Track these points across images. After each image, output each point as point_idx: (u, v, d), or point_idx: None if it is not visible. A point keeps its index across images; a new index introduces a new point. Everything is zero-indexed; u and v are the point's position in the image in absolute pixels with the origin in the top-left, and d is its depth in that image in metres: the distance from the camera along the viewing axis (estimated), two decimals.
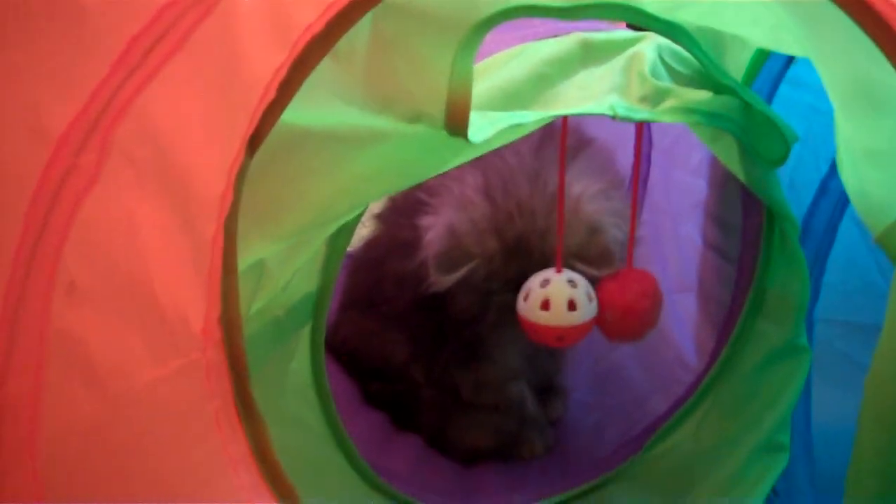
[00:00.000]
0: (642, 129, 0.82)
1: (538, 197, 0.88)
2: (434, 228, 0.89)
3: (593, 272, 0.84)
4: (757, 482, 0.88)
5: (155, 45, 0.51)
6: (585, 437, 1.10)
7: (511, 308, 0.85)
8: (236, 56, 0.51)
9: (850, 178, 0.64)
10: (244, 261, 0.56)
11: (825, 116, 0.70)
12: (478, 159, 0.74)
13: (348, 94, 0.60)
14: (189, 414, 0.53)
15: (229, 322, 0.52)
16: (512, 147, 0.84)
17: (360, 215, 0.76)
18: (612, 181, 0.95)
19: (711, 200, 1.06)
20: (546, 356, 1.08)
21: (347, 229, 0.76)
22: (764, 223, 0.91)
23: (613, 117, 0.70)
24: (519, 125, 0.67)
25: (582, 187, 0.87)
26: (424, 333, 1.02)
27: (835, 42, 0.57)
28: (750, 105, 0.78)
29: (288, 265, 0.69)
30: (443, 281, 0.87)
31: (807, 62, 0.84)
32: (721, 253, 1.05)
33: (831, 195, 0.91)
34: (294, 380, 0.77)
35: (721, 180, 1.01)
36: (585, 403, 1.16)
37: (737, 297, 0.96)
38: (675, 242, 1.14)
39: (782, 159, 0.80)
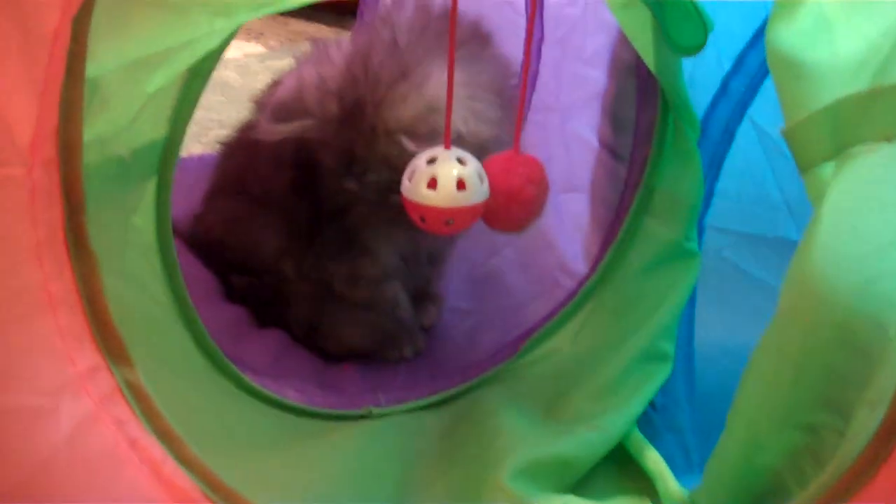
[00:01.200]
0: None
1: (388, 66, 0.83)
2: (286, 80, 0.86)
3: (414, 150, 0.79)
4: (636, 390, 0.84)
5: None
6: (459, 343, 1.05)
7: (387, 201, 0.80)
8: None
9: (790, 37, 0.58)
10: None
11: (731, 7, 0.66)
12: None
13: None
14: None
15: (69, 140, 0.46)
16: (394, 23, 0.83)
17: (219, 52, 0.66)
18: (492, 88, 0.88)
19: (608, 93, 1.01)
20: (424, 260, 1.03)
21: (202, 72, 0.66)
22: (658, 118, 0.87)
23: None
24: None
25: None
26: (299, 218, 0.96)
27: None
28: None
29: (132, 95, 0.60)
30: (271, 130, 0.84)
31: None
32: (613, 152, 1.01)
33: (731, 96, 0.87)
34: (137, 238, 0.68)
35: (620, 69, 0.96)
36: (460, 309, 1.10)
37: (625, 197, 0.93)
38: (562, 140, 1.09)
39: (696, 48, 0.75)
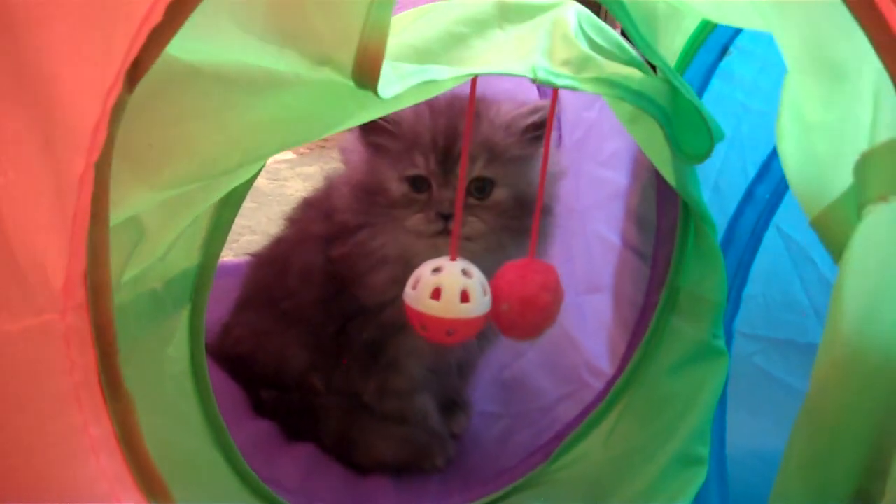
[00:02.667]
0: (557, 96, 0.76)
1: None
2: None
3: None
4: (673, 497, 0.83)
5: None
6: (490, 448, 1.04)
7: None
8: None
9: (792, 151, 0.60)
10: (116, 212, 0.48)
11: (756, 116, 0.67)
12: None
13: (247, 24, 0.52)
14: (42, 384, 0.46)
15: (96, 283, 0.45)
16: None
17: (251, 181, 0.68)
18: None
19: (631, 194, 1.02)
20: (453, 371, 1.02)
21: (234, 201, 0.68)
22: (679, 217, 0.87)
23: (534, 80, 0.64)
24: (433, 82, 0.61)
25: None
26: (326, 333, 0.96)
27: (796, 4, 0.53)
28: (678, 91, 0.73)
29: (168, 228, 0.61)
30: None
31: (742, 55, 0.84)
32: (636, 251, 1.00)
33: (757, 202, 0.88)
34: (171, 367, 0.68)
35: (641, 171, 0.96)
36: (490, 413, 1.10)
37: (650, 296, 0.92)
38: (583, 240, 1.09)
39: (704, 156, 0.76)
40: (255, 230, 1.61)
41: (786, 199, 0.86)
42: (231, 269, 1.15)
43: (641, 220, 0.99)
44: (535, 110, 0.86)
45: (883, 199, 0.49)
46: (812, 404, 0.55)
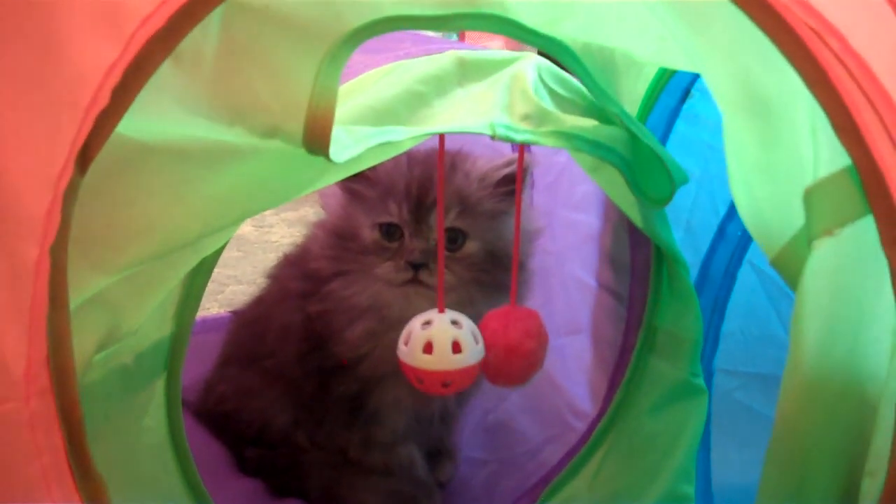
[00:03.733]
0: (523, 151, 0.77)
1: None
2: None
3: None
4: None
5: None
6: (477, 494, 1.04)
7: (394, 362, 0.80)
8: (55, 39, 0.44)
9: (742, 195, 0.61)
10: (77, 295, 0.49)
11: (722, 155, 0.67)
12: None
13: (193, 104, 0.53)
14: (10, 471, 0.46)
15: (59, 366, 0.46)
16: None
17: (220, 250, 0.68)
18: None
19: (603, 236, 1.03)
20: (437, 419, 1.02)
21: (205, 267, 0.69)
22: (653, 258, 0.88)
23: (493, 137, 0.65)
24: (390, 143, 0.62)
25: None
26: (307, 389, 0.97)
27: (723, 45, 0.54)
28: (637, 138, 0.74)
29: (138, 305, 0.61)
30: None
31: (705, 97, 0.85)
32: (612, 292, 1.01)
33: (729, 240, 0.89)
34: (148, 439, 0.68)
35: (612, 213, 0.97)
36: (476, 460, 1.09)
37: (628, 336, 0.93)
38: (560, 283, 1.10)
39: (666, 200, 0.76)
40: (240, 280, 1.61)
41: None
42: (213, 324, 1.16)
43: (615, 262, 1.00)
44: (508, 163, 0.87)
45: (828, 233, 0.51)
46: (780, 433, 0.56)
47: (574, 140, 0.70)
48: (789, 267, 0.57)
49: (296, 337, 0.94)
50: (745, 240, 0.88)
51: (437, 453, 1.06)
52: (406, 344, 0.75)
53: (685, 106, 0.87)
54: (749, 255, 0.89)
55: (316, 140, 0.55)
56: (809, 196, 0.52)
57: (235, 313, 1.09)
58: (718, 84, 0.59)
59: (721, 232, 0.89)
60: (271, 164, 0.58)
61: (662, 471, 0.86)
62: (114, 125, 0.46)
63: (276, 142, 0.55)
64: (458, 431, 1.10)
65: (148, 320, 0.64)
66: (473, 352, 0.74)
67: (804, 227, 0.53)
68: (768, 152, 0.58)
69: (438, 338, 0.73)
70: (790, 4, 0.45)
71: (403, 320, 0.77)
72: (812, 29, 0.45)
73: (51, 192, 0.44)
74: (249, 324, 1.04)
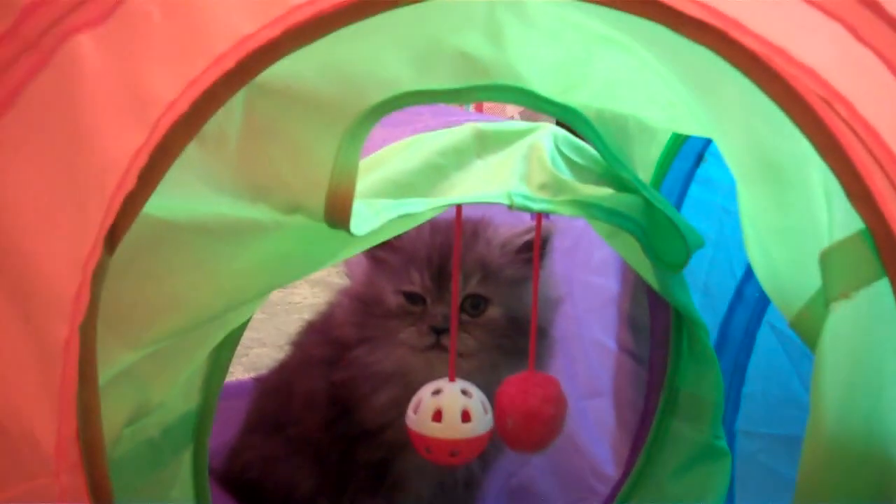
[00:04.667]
0: (541, 219, 0.78)
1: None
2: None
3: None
4: None
5: None
6: None
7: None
8: (82, 126, 0.45)
9: (758, 257, 0.61)
10: (105, 371, 0.50)
11: (737, 218, 0.68)
12: None
13: (217, 183, 0.55)
14: None
15: (89, 441, 0.46)
16: None
17: (245, 325, 0.69)
18: None
19: (623, 299, 1.03)
20: (461, 486, 1.01)
21: (231, 341, 0.70)
22: (672, 320, 0.88)
23: (510, 206, 0.66)
24: (409, 215, 0.63)
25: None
26: (332, 457, 0.96)
27: (733, 112, 0.55)
28: (651, 204, 0.75)
29: (167, 379, 0.62)
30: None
31: (718, 161, 0.84)
32: (633, 355, 1.01)
33: (747, 302, 0.90)
34: None
35: (630, 277, 0.98)
36: None
37: (650, 399, 0.93)
38: (580, 346, 1.10)
39: (681, 264, 0.78)
40: (264, 342, 1.60)
41: None
42: (235, 390, 1.15)
43: (635, 325, 1.00)
44: (529, 230, 0.87)
45: (845, 296, 0.51)
46: (802, 495, 0.56)
47: (590, 208, 0.71)
48: (808, 328, 0.57)
49: (320, 404, 0.94)
50: (764, 301, 0.88)
51: None
52: (415, 412, 0.75)
53: (699, 170, 0.88)
54: (768, 317, 0.89)
55: (337, 215, 0.56)
56: (825, 259, 0.52)
57: (258, 380, 1.10)
58: (730, 149, 0.60)
59: (739, 294, 0.90)
60: (294, 239, 0.59)
61: None
62: (140, 206, 0.46)
63: (298, 217, 0.56)
64: (482, 496, 1.09)
65: (175, 393, 0.65)
66: (482, 421, 0.75)
67: (821, 290, 0.53)
68: (783, 216, 0.58)
69: (448, 406, 0.74)
70: (798, 73, 0.46)
71: (418, 391, 0.78)
72: (821, 97, 0.46)
73: (79, 274, 0.45)
74: (273, 391, 1.04)
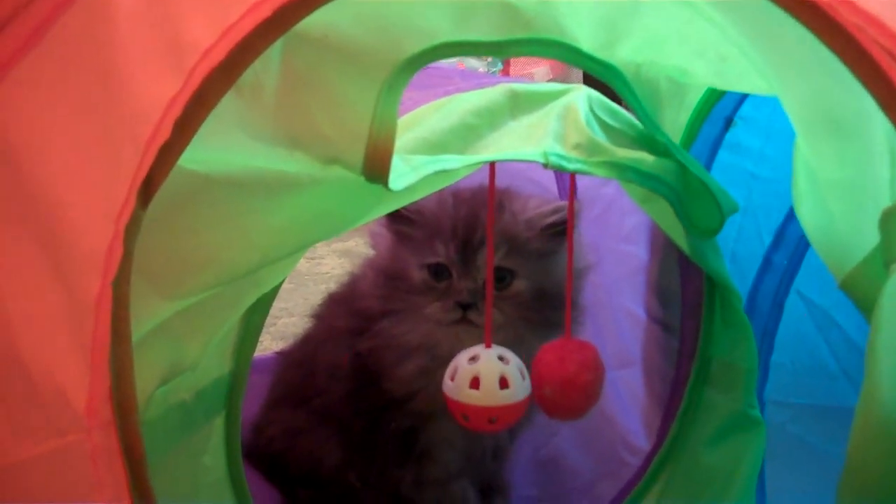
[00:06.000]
0: (575, 180, 0.77)
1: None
2: None
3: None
4: None
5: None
6: None
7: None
8: (114, 70, 0.44)
9: (812, 213, 0.60)
10: (139, 326, 0.49)
11: (765, 184, 0.68)
12: None
13: (254, 134, 0.54)
14: None
15: (122, 400, 0.45)
16: None
17: (276, 289, 0.68)
18: None
19: (652, 268, 1.02)
20: (489, 455, 1.01)
21: (263, 305, 0.69)
22: (704, 288, 0.87)
23: (545, 165, 0.65)
24: (445, 171, 0.62)
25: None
26: (357, 428, 0.95)
27: (795, 64, 0.53)
28: (686, 169, 0.74)
29: (196, 339, 0.61)
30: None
31: (747, 126, 0.86)
32: (663, 324, 1.00)
33: (776, 269, 0.89)
34: (207, 477, 0.68)
35: (659, 245, 0.96)
36: (528, 497, 1.07)
37: (681, 368, 0.91)
38: (610, 315, 1.08)
39: (715, 230, 0.76)
40: (292, 312, 1.60)
41: (804, 265, 0.87)
42: (260, 365, 1.15)
43: (664, 293, 0.99)
44: (556, 210, 0.86)
45: None
46: (852, 467, 0.54)
47: (625, 171, 0.70)
48: (860, 289, 0.56)
49: (344, 375, 0.93)
50: (792, 269, 0.87)
51: (489, 489, 1.04)
52: (452, 379, 0.74)
53: (728, 135, 0.87)
54: (796, 285, 0.88)
55: (376, 168, 0.55)
56: (887, 218, 0.50)
57: (281, 354, 1.09)
58: (791, 102, 0.58)
59: (767, 261, 0.89)
60: (329, 194, 0.58)
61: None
62: (176, 158, 0.45)
63: (334, 171, 0.55)
64: (510, 467, 1.08)
65: (207, 358, 0.64)
66: (520, 388, 0.74)
67: (877, 249, 0.52)
68: (842, 169, 0.57)
69: (485, 373, 0.73)
70: (862, 23, 0.43)
71: (454, 358, 0.77)
72: (885, 49, 0.44)
73: (112, 227, 0.44)
74: (296, 364, 1.03)
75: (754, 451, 0.84)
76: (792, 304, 0.89)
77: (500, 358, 0.74)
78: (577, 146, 0.68)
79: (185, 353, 0.60)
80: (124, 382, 0.44)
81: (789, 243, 0.87)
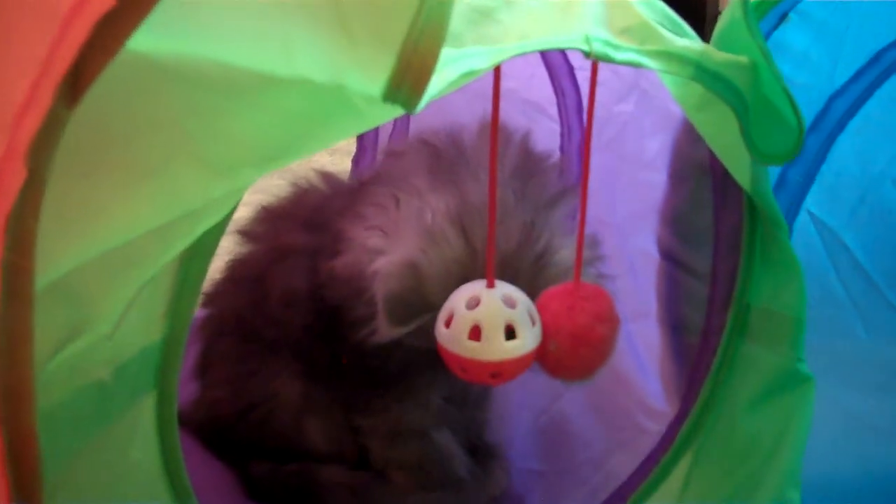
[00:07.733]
0: (597, 67, 0.61)
1: (526, 255, 0.72)
2: (388, 258, 0.71)
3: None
4: None
5: None
6: None
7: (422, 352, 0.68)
8: None
9: None
10: (39, 278, 0.34)
11: (798, 91, 0.59)
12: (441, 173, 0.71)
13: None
14: None
15: (12, 387, 0.33)
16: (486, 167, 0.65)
17: (222, 229, 0.52)
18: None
19: (672, 199, 0.89)
20: (470, 401, 0.90)
21: (204, 247, 0.52)
22: (745, 223, 0.74)
23: (587, 55, 0.51)
24: (472, 71, 0.47)
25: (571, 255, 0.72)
26: (317, 363, 0.83)
27: None
28: (758, 75, 0.60)
29: (112, 294, 0.45)
30: (391, 332, 0.70)
31: (801, 22, 0.77)
32: (682, 266, 0.87)
33: (790, 187, 0.82)
34: (136, 476, 0.53)
35: (689, 171, 0.83)
36: (530, 471, 0.95)
37: (712, 319, 0.79)
38: (624, 259, 0.95)
39: (785, 155, 0.63)
40: None
41: (817, 181, 0.82)
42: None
43: (686, 228, 0.88)
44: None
45: None
46: None
47: (689, 65, 0.56)
48: None
49: (301, 304, 0.81)
50: (805, 186, 0.82)
51: (479, 452, 0.92)
52: (447, 326, 0.62)
53: (776, 32, 0.77)
54: (807, 203, 0.84)
55: (405, 86, 0.41)
56: None
57: (206, 295, 0.93)
58: None
59: (782, 178, 0.82)
60: (312, 97, 0.42)
61: (767, 478, 0.73)
62: (128, 32, 0.32)
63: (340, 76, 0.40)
64: (500, 425, 0.97)
65: (129, 322, 0.48)
66: (529, 337, 0.62)
67: None
68: None
69: (488, 322, 0.60)
70: None
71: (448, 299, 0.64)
72: None
73: (4, 136, 0.32)
74: (236, 291, 0.90)
75: (803, 414, 0.73)
76: (802, 224, 0.85)
77: (505, 300, 0.62)
78: (626, 30, 0.54)
79: (93, 312, 0.43)
80: (19, 362, 0.33)
81: (807, 157, 0.81)
